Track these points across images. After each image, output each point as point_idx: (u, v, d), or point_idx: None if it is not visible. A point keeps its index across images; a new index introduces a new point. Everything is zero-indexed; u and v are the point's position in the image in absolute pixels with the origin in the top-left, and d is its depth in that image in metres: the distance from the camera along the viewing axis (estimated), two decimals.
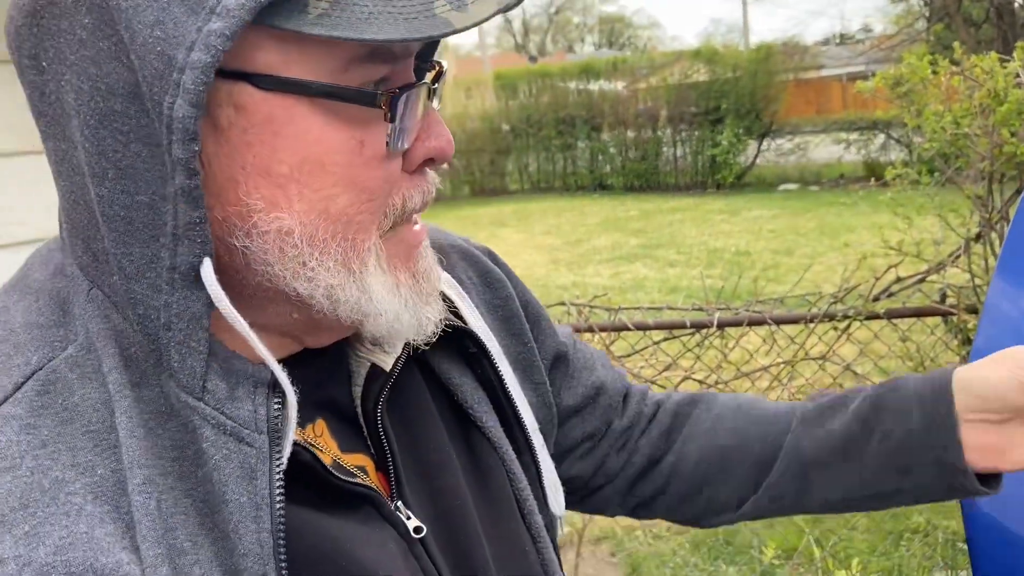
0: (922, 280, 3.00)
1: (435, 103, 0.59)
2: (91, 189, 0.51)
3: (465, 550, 0.67)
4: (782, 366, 2.98)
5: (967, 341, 2.77)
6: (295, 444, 0.56)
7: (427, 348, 0.68)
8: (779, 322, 2.86)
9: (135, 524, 0.49)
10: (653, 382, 3.21)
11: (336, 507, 0.59)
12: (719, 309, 3.01)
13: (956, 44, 2.81)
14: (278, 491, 0.52)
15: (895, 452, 0.76)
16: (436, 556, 0.64)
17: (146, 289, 0.52)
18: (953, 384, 0.75)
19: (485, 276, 0.81)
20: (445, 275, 0.75)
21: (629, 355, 3.31)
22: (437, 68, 0.60)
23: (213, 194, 0.52)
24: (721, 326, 2.90)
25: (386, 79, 0.54)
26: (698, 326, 2.95)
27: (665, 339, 3.11)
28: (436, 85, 0.58)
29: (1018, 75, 2.51)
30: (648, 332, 3.04)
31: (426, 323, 0.61)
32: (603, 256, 9.69)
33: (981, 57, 2.63)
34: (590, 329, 3.02)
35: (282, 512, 0.52)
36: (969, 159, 2.74)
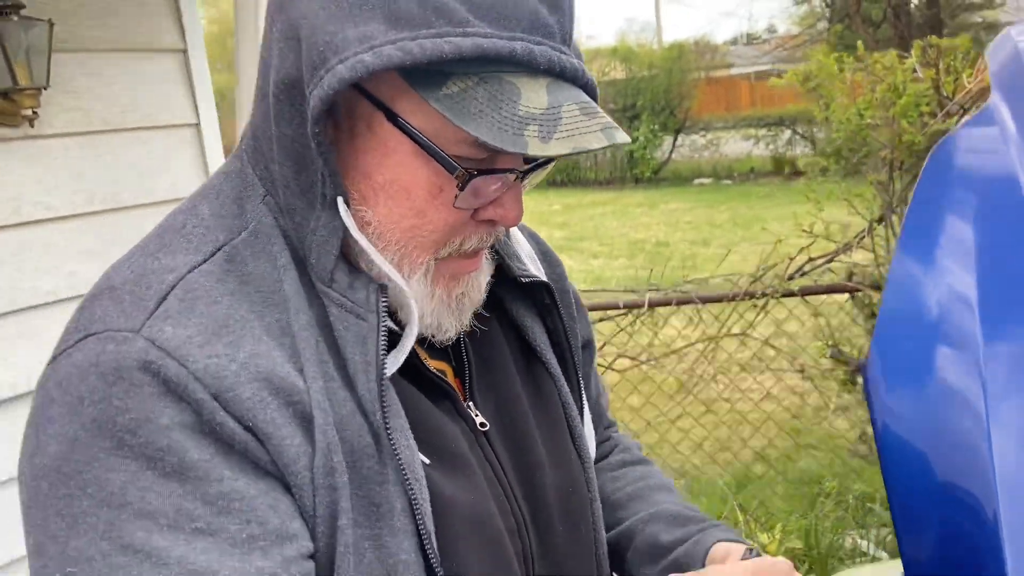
0: (831, 260, 3.25)
1: (525, 183, 0.74)
2: (274, 129, 0.68)
3: (523, 448, 0.81)
4: (707, 342, 3.18)
5: (872, 315, 3.02)
6: (397, 334, 0.72)
7: (508, 297, 0.86)
8: (705, 301, 3.05)
9: (299, 353, 0.67)
10: None
11: (425, 394, 0.75)
12: (649, 291, 3.19)
13: (860, 43, 3.05)
14: (382, 354, 0.67)
15: None
16: (498, 449, 0.80)
17: (305, 205, 0.69)
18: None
19: (545, 253, 0.95)
20: (523, 242, 0.91)
21: None
22: (540, 162, 0.72)
23: (341, 170, 0.69)
24: (652, 306, 3.08)
25: (492, 159, 0.68)
26: (630, 306, 3.12)
27: (600, 320, 3.28)
28: (527, 174, 0.72)
29: (915, 71, 2.75)
30: None
31: (444, 328, 0.75)
32: None
33: (882, 54, 2.87)
34: None
35: (384, 370, 0.67)
36: (872, 148, 2.98)
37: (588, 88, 0.69)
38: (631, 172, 15.66)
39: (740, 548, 0.84)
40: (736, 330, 3.17)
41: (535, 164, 0.72)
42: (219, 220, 0.72)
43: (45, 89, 2.13)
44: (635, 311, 3.18)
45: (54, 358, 0.66)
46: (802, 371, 3.27)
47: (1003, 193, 1.05)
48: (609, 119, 0.67)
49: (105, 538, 0.60)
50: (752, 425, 3.60)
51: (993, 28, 13.93)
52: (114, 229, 2.37)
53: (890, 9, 13.99)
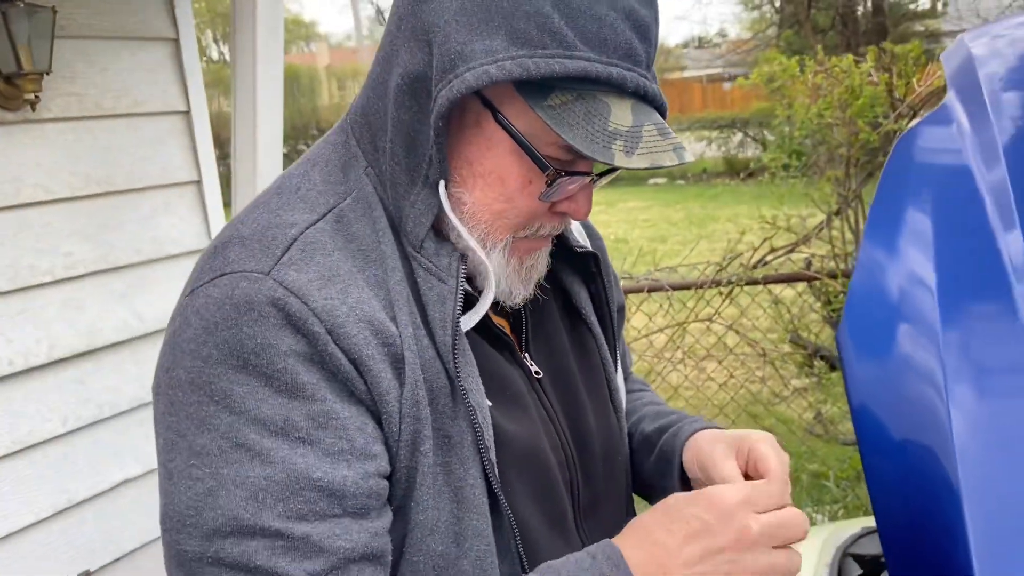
0: (791, 251, 3.43)
1: (598, 183, 0.85)
2: (392, 112, 0.79)
3: (570, 395, 0.93)
4: (676, 328, 3.34)
5: (828, 302, 3.19)
6: (473, 296, 0.83)
7: (558, 264, 0.96)
8: (675, 288, 3.21)
9: (392, 304, 0.78)
10: None
11: (489, 343, 0.87)
12: (623, 279, 3.34)
13: (820, 47, 3.24)
14: (458, 312, 0.79)
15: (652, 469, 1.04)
16: (550, 394, 0.92)
17: (408, 181, 0.80)
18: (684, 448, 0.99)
19: (588, 228, 1.07)
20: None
21: None
22: (611, 169, 0.83)
23: (449, 156, 0.79)
24: (625, 293, 3.21)
25: (573, 162, 0.79)
26: None
27: None
28: (601, 179, 0.84)
29: (871, 74, 2.94)
30: None
31: (515, 295, 0.86)
32: None
33: (840, 58, 3.06)
34: None
35: (459, 326, 0.79)
36: (830, 146, 3.17)
37: (662, 110, 0.80)
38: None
39: (724, 450, 0.92)
40: (702, 317, 3.34)
41: (608, 170, 0.84)
42: (328, 186, 0.82)
43: (47, 74, 2.18)
44: None
45: (192, 291, 0.77)
46: (763, 355, 3.44)
47: (958, 186, 1.14)
48: (678, 139, 0.78)
49: (225, 437, 0.71)
50: (716, 406, 3.77)
51: (935, 36, 14.42)
52: (107, 211, 2.43)
53: (838, 17, 14.41)
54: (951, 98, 1.30)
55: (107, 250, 2.41)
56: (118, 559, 2.45)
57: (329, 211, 0.80)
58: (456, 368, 0.78)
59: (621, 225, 10.87)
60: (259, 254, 0.76)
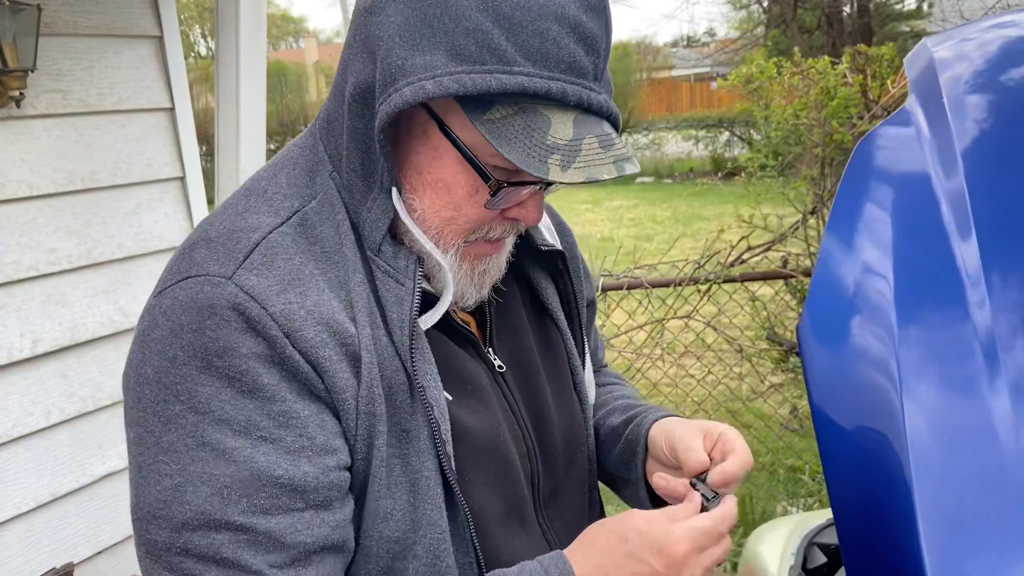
0: (768, 249, 3.49)
1: (548, 190, 0.86)
2: (347, 121, 0.82)
3: (532, 388, 0.97)
4: (655, 325, 3.39)
5: (803, 299, 3.24)
6: (431, 296, 0.86)
7: (526, 261, 0.99)
8: (654, 285, 3.26)
9: (353, 305, 0.81)
10: None
11: (452, 340, 0.90)
12: (602, 276, 3.39)
13: (796, 49, 3.29)
14: (415, 313, 0.82)
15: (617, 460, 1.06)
16: (513, 387, 0.95)
17: (364, 187, 0.83)
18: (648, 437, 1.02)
19: (560, 225, 1.10)
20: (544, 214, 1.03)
21: None
22: (558, 183, 0.82)
23: (398, 163, 0.82)
24: (605, 290, 3.27)
25: (518, 171, 0.79)
26: None
27: None
28: (550, 187, 0.84)
29: (845, 76, 2.99)
30: None
31: (467, 297, 0.89)
32: None
33: (816, 60, 3.12)
34: None
35: (415, 327, 0.82)
36: (805, 146, 3.22)
37: (612, 118, 0.81)
38: None
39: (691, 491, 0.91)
40: (681, 314, 3.39)
41: (550, 185, 0.87)
42: (294, 189, 0.85)
43: (32, 71, 2.21)
44: None
45: (160, 292, 0.80)
46: (740, 351, 3.49)
47: (916, 189, 1.16)
48: (624, 150, 0.78)
49: (190, 435, 0.75)
50: (695, 402, 3.82)
51: (920, 37, 14.52)
52: (91, 208, 2.45)
53: (824, 17, 14.51)
54: (912, 102, 1.33)
55: (91, 246, 2.43)
56: (101, 552, 2.47)
57: (293, 214, 0.83)
58: (414, 366, 0.81)
59: (607, 224, 10.92)
60: (223, 257, 0.79)
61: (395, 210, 0.83)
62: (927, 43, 1.39)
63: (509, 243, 0.93)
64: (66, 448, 2.37)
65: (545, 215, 1.07)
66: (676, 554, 0.80)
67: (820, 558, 1.61)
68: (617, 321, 3.61)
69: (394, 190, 0.82)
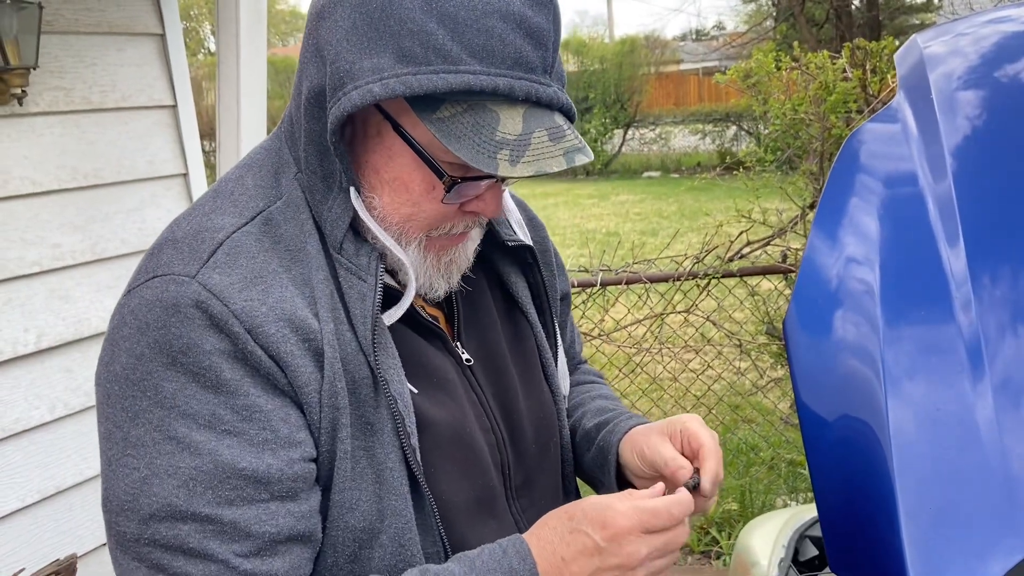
0: (767, 244, 3.49)
1: (505, 185, 0.88)
2: (304, 124, 0.84)
3: (501, 380, 0.99)
4: (654, 319, 3.40)
5: None
6: (398, 290, 0.88)
7: (496, 256, 1.00)
8: (653, 280, 3.27)
9: (316, 301, 0.83)
10: None
11: (420, 335, 0.92)
12: (601, 271, 3.40)
13: (796, 43, 3.29)
14: (377, 308, 0.84)
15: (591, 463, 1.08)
16: (481, 380, 0.97)
17: (324, 187, 0.85)
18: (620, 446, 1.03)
19: (531, 219, 1.11)
20: (513, 208, 1.06)
21: None
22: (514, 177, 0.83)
23: (355, 162, 0.84)
24: (604, 285, 3.29)
25: (471, 167, 0.79)
26: (583, 285, 3.33)
27: None
28: (506, 181, 0.86)
29: (844, 71, 2.99)
30: None
31: (435, 288, 0.90)
32: None
33: (815, 55, 3.12)
34: None
35: (377, 321, 0.84)
36: (804, 141, 3.23)
37: (564, 110, 0.82)
38: (582, 164, 15.80)
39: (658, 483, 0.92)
40: (680, 308, 3.40)
41: (506, 179, 0.87)
42: (259, 190, 0.87)
43: (35, 69, 2.23)
44: (588, 290, 3.39)
45: (129, 291, 0.83)
46: (740, 346, 3.50)
47: (902, 186, 1.16)
48: (575, 141, 0.80)
49: (157, 430, 0.77)
50: (695, 396, 3.84)
51: None
52: (95, 204, 2.48)
53: (832, 10, 14.44)
54: (900, 98, 1.33)
55: (94, 241, 2.47)
56: (104, 544, 2.51)
57: (258, 214, 0.85)
58: (376, 360, 0.83)
59: (612, 218, 10.92)
60: (188, 257, 0.81)
61: (355, 209, 0.85)
62: (917, 39, 1.39)
63: (475, 234, 0.95)
64: (70, 442, 2.41)
65: (516, 209, 1.09)
66: (617, 527, 0.80)
67: (812, 551, 1.63)
68: (616, 316, 3.63)
69: (352, 190, 0.84)
